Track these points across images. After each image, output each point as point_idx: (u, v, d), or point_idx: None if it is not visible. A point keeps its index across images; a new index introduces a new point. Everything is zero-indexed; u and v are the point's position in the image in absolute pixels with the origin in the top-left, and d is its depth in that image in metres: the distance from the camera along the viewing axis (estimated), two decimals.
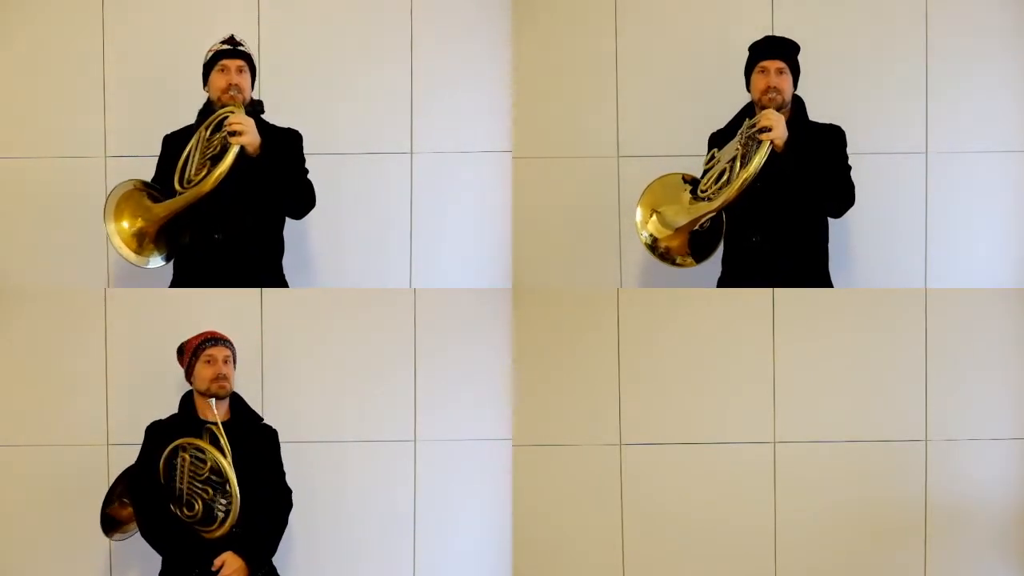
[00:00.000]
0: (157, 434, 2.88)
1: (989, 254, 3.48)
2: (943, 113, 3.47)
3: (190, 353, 2.92)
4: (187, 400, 2.95)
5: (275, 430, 3.01)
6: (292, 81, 3.48)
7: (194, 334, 2.96)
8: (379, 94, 3.51)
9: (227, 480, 2.79)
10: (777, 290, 3.32)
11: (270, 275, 3.14)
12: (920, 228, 3.48)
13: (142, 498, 2.85)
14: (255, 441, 2.94)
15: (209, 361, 2.90)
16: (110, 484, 3.00)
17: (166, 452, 2.81)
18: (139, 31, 3.50)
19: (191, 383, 2.93)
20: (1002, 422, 3.34)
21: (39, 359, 3.34)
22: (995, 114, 3.47)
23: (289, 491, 3.01)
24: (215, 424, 2.83)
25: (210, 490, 2.79)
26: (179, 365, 2.97)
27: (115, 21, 3.51)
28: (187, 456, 2.80)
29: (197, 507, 2.79)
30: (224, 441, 2.82)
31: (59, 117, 3.50)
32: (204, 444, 2.81)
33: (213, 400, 2.86)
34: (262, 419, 2.99)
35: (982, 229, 3.48)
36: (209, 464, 2.79)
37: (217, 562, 2.78)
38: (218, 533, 2.80)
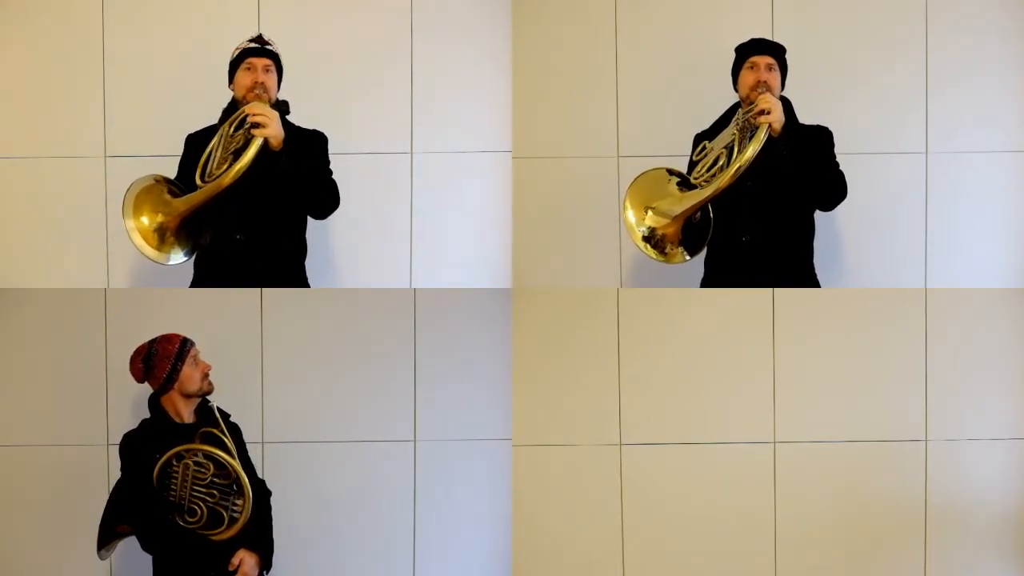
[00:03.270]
0: (138, 446, 2.81)
1: (989, 254, 3.48)
2: (943, 113, 3.47)
3: (171, 358, 2.83)
4: (156, 404, 2.87)
5: (238, 426, 2.98)
6: (292, 81, 3.47)
7: (150, 339, 2.88)
8: (379, 94, 3.51)
9: (237, 480, 2.78)
10: (777, 290, 3.32)
11: (292, 276, 3.11)
12: (920, 228, 3.48)
13: (144, 516, 2.77)
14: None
15: (195, 360, 2.87)
16: (109, 493, 2.89)
17: (161, 462, 2.77)
18: (139, 31, 3.50)
19: (171, 388, 2.84)
20: (1002, 422, 3.34)
21: (39, 359, 3.34)
22: (995, 114, 3.47)
23: (262, 481, 3.00)
24: (215, 428, 2.81)
25: (216, 493, 2.78)
26: (138, 377, 2.87)
27: (115, 21, 3.51)
28: (190, 463, 2.78)
29: (200, 513, 2.77)
30: (230, 442, 2.81)
31: (59, 117, 3.50)
32: (212, 449, 2.78)
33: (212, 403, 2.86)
34: (229, 416, 2.94)
35: (982, 229, 3.48)
36: (213, 468, 2.78)
37: (235, 560, 2.78)
38: (228, 534, 2.78)
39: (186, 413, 2.87)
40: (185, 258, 2.99)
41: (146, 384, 2.88)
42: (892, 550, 3.34)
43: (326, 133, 3.12)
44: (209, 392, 2.88)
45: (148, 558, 2.85)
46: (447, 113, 3.51)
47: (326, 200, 3.02)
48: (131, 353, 2.89)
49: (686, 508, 3.34)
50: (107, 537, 2.82)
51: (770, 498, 3.34)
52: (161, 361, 2.83)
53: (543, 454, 3.35)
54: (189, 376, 2.85)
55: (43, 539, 3.31)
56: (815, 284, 3.11)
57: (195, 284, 3.08)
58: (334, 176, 3.08)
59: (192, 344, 2.88)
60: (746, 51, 3.04)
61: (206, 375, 2.88)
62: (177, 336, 2.88)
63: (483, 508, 3.37)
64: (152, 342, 2.87)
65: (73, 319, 3.35)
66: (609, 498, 3.35)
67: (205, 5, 3.51)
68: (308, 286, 3.17)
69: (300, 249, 3.13)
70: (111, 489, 2.86)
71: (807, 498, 3.33)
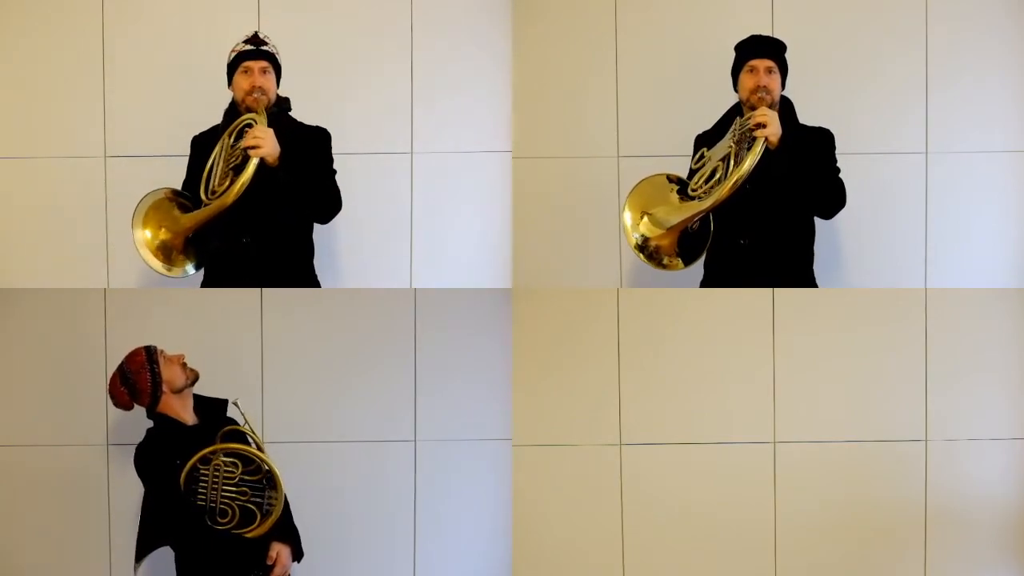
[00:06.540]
0: (156, 456, 2.77)
1: (989, 254, 3.48)
2: (943, 113, 3.47)
3: (145, 366, 2.80)
4: (157, 415, 2.83)
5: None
6: (292, 81, 3.47)
7: (130, 352, 2.86)
8: (379, 94, 3.51)
9: (268, 474, 2.78)
10: (777, 290, 3.32)
11: (301, 276, 3.13)
12: (920, 228, 3.49)
13: (182, 526, 2.74)
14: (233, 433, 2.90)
15: (166, 358, 2.84)
16: (140, 510, 2.83)
17: (187, 467, 2.73)
18: (139, 31, 3.51)
19: (162, 393, 2.81)
20: (1002, 422, 3.34)
21: (39, 359, 3.34)
22: (995, 114, 3.47)
23: None
24: (243, 424, 2.81)
25: (247, 490, 2.77)
26: (125, 401, 2.83)
27: (115, 21, 3.51)
28: (220, 463, 2.75)
29: (232, 513, 2.76)
30: (258, 438, 2.82)
31: (59, 117, 3.50)
32: (244, 448, 2.77)
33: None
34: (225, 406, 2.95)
35: (982, 229, 3.48)
36: (241, 466, 2.77)
37: (272, 554, 2.80)
38: (262, 529, 2.78)
39: (186, 413, 2.86)
40: (195, 271, 3.04)
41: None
42: (892, 550, 3.34)
43: None
44: (196, 378, 2.87)
45: (149, 559, 2.84)
46: (447, 113, 3.51)
47: (326, 206, 3.06)
48: (107, 389, 2.84)
49: (686, 508, 3.34)
50: (143, 555, 2.80)
51: (770, 498, 3.33)
52: (139, 374, 2.80)
53: (543, 454, 3.35)
54: (171, 373, 2.83)
55: (43, 539, 3.31)
56: (813, 286, 3.11)
57: (206, 284, 3.09)
58: (338, 173, 3.08)
59: (155, 347, 2.86)
60: (746, 51, 3.04)
61: (184, 364, 2.87)
62: (138, 348, 2.85)
63: (483, 508, 3.37)
64: (119, 368, 2.84)
65: (73, 319, 3.34)
66: (609, 498, 3.35)
67: (205, 5, 3.51)
68: (319, 286, 3.18)
69: (307, 249, 3.14)
70: (140, 507, 2.81)
71: (807, 498, 3.33)
